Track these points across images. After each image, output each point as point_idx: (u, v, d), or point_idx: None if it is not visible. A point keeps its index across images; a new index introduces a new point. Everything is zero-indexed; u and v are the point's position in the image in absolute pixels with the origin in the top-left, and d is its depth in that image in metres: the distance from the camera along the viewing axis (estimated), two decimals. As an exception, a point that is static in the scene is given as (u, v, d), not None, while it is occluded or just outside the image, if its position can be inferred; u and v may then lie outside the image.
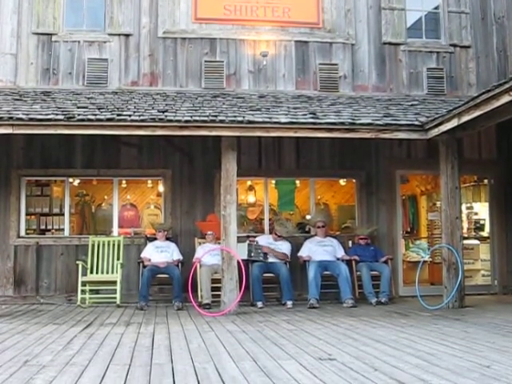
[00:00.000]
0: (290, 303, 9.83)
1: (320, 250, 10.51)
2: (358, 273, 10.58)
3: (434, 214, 13.29)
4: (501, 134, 11.74)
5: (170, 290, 10.11)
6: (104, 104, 9.89)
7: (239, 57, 11.63)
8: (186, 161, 11.22)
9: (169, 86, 11.40)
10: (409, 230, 13.72)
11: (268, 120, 9.19)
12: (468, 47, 12.21)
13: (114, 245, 10.64)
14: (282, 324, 7.71)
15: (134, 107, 9.68)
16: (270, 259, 10.37)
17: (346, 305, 9.73)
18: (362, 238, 10.98)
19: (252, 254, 10.23)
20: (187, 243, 10.88)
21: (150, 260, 10.26)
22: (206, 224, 10.80)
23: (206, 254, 10.09)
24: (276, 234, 10.63)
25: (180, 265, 10.28)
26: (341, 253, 10.66)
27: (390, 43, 11.99)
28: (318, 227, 10.81)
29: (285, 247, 10.56)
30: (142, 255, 10.44)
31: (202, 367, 4.87)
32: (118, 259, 10.44)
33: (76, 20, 11.47)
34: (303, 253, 10.56)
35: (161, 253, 10.34)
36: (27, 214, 11.26)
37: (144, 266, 10.21)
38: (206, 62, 11.52)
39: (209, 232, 10.54)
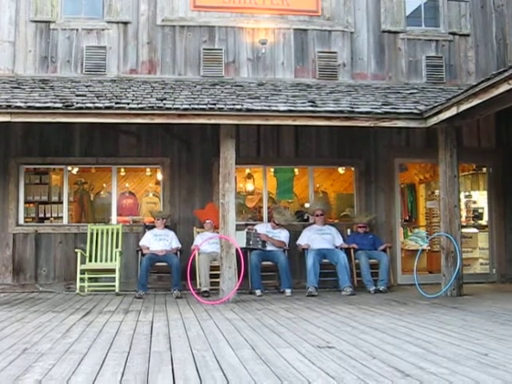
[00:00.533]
0: (288, 291, 9.85)
1: (318, 238, 10.52)
2: (357, 261, 10.57)
3: (432, 202, 13.32)
4: (500, 122, 11.74)
5: (169, 278, 10.12)
6: (102, 92, 9.87)
7: (238, 45, 11.60)
8: (185, 149, 11.20)
9: (167, 74, 11.38)
10: (407, 218, 13.74)
11: (267, 108, 9.17)
12: (467, 35, 12.17)
13: (112, 233, 10.65)
14: (280, 312, 7.73)
15: (133, 95, 9.67)
16: (269, 247, 10.38)
17: (344, 293, 9.75)
18: (360, 227, 10.99)
19: (251, 242, 10.23)
20: (186, 231, 10.89)
21: (148, 248, 10.26)
22: (204, 212, 10.80)
23: (205, 243, 10.09)
24: (274, 222, 10.64)
25: (179, 253, 10.28)
26: (339, 241, 10.68)
27: (389, 31, 11.95)
28: (317, 215, 10.82)
29: (283, 235, 10.57)
30: (141, 243, 10.44)
31: (200, 355, 4.88)
32: (117, 247, 10.45)
33: (74, 8, 11.42)
34: (302, 241, 10.57)
35: (159, 241, 10.34)
36: (26, 203, 11.26)
37: (143, 255, 10.22)
38: (204, 49, 11.49)
39: (207, 220, 10.54)
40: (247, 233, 10.28)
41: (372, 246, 10.77)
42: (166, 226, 10.63)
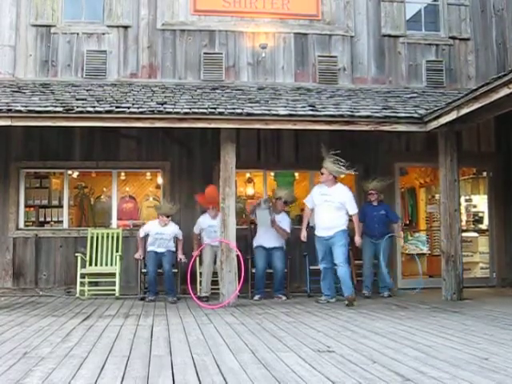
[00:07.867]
0: (280, 296, 9.82)
1: (324, 205, 9.36)
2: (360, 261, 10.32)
3: (432, 206, 13.32)
4: (500, 126, 11.72)
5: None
6: (103, 96, 9.88)
7: (238, 49, 11.61)
8: (185, 153, 11.21)
9: (168, 78, 11.38)
10: (408, 222, 13.73)
11: (267, 112, 9.18)
12: (467, 40, 12.19)
13: (112, 237, 10.66)
14: (280, 316, 7.72)
15: (133, 99, 9.68)
16: (271, 243, 10.16)
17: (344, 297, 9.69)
18: (371, 194, 10.36)
19: (262, 206, 10.38)
20: (186, 236, 10.84)
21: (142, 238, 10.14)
22: (205, 197, 10.40)
23: (206, 247, 10.05)
24: (277, 201, 10.35)
25: (178, 259, 10.17)
26: (352, 210, 9.42)
27: (389, 35, 11.96)
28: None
29: (285, 223, 10.30)
30: (140, 231, 10.25)
31: (200, 359, 4.87)
32: (117, 251, 10.46)
33: (75, 12, 11.45)
34: (307, 202, 9.72)
35: (157, 245, 10.12)
36: (26, 206, 11.27)
37: (145, 264, 10.08)
38: (204, 54, 11.50)
39: (210, 207, 10.34)
40: (258, 204, 10.57)
41: (381, 221, 10.18)
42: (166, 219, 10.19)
